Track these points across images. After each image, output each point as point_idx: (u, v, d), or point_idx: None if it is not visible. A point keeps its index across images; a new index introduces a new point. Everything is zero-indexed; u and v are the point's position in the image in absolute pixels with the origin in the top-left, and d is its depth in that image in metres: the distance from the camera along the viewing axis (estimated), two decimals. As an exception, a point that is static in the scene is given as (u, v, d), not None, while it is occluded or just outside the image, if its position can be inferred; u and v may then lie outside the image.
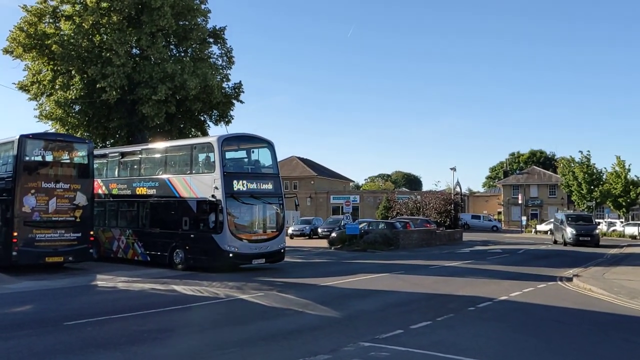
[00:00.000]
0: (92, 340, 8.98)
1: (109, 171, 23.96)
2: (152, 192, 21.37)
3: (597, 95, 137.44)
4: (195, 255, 19.44)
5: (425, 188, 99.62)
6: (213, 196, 18.71)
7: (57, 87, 29.18)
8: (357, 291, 14.96)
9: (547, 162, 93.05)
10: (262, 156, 21.57)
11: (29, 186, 18.30)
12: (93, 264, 20.65)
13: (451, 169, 52.31)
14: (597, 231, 38.12)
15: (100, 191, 23.03)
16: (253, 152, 21.61)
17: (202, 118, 32.75)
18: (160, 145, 22.97)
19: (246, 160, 21.63)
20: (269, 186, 20.42)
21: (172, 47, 31.59)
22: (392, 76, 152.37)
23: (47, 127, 30.48)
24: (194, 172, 20.38)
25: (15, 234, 17.86)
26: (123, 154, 23.76)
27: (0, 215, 18.52)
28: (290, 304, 12.79)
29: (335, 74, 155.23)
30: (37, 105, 30.31)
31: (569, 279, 17.60)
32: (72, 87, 28.73)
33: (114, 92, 27.44)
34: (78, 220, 19.18)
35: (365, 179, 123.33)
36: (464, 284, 16.50)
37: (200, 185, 19.50)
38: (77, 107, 29.67)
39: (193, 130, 32.69)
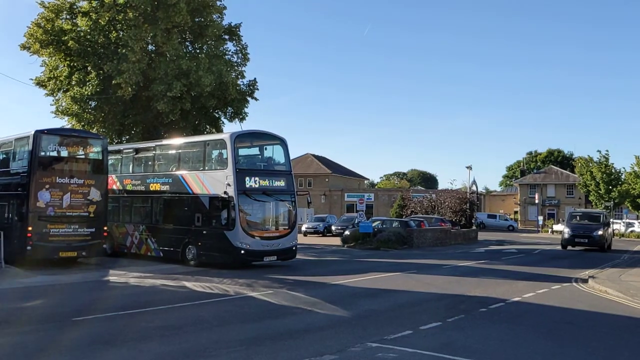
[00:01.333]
0: (99, 337, 8.96)
1: (123, 167, 24.11)
2: (165, 188, 21.46)
3: (616, 96, 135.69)
4: (207, 252, 19.52)
5: (441, 186, 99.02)
6: (225, 193, 18.74)
7: (73, 83, 29.29)
8: (367, 290, 14.86)
9: (564, 161, 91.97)
10: (275, 153, 21.61)
11: (44, 181, 18.43)
12: (106, 259, 20.79)
13: (467, 167, 51.92)
14: (601, 232, 31.48)
15: (114, 187, 23.18)
16: (266, 149, 21.65)
17: (217, 115, 32.69)
18: (173, 141, 23.06)
19: (259, 157, 21.66)
20: (281, 183, 20.44)
21: (187, 43, 31.58)
22: (408, 74, 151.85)
23: (63, 122, 30.62)
24: (206, 168, 20.42)
25: (30, 228, 17.99)
26: (137, 150, 23.88)
27: (16, 210, 18.69)
28: (299, 302, 12.73)
29: (351, 72, 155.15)
30: (53, 101, 30.42)
31: (585, 281, 17.31)
32: (88, 83, 28.84)
33: (130, 89, 27.48)
34: (92, 215, 19.28)
35: (380, 177, 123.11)
36: (477, 284, 16.34)
37: (212, 182, 19.53)
38: (93, 103, 29.74)
39: (208, 126, 32.63)
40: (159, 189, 21.70)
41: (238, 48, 32.36)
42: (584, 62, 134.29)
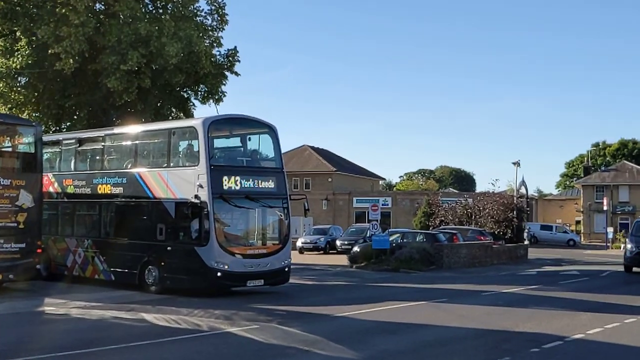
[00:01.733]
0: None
1: (63, 163, 24.07)
2: (118, 190, 21.40)
3: None
4: (173, 274, 19.43)
5: (479, 188, 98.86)
6: (196, 197, 18.60)
7: (-3, 53, 29.38)
8: (382, 325, 14.86)
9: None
10: (261, 145, 21.62)
11: (-42, 182, 18.47)
12: (41, 284, 20.83)
13: (514, 163, 51.66)
14: None
15: (51, 189, 23.13)
16: (250, 139, 21.64)
17: (186, 95, 32.81)
18: (129, 130, 23.03)
19: (241, 150, 21.70)
20: (270, 184, 20.42)
21: (146, 1, 31.64)
22: (434, 43, 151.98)
23: (-17, 105, 30.75)
24: (172, 165, 20.39)
25: (-60, 243, 18.02)
26: (81, 141, 23.79)
27: None
28: (293, 340, 12.72)
29: (359, 40, 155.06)
30: (-29, 76, 30.53)
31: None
32: (16, 54, 28.92)
33: (71, 60, 27.43)
34: (22, 226, 19.29)
35: (400, 177, 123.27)
36: (527, 317, 16.34)
37: (180, 183, 19.51)
38: (23, 80, 29.85)
39: (173, 110, 32.76)
40: (109, 192, 21.62)
41: (213, 7, 32.41)
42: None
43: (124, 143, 22.53)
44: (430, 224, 49.45)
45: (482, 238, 40.52)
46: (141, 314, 15.84)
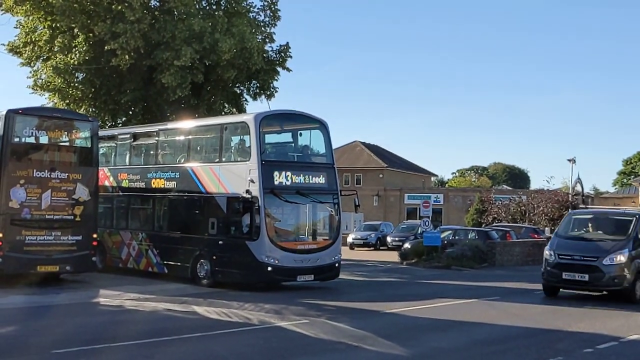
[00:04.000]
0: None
1: (119, 157, 24.52)
2: (171, 185, 21.63)
3: None
4: (224, 268, 19.62)
5: (533, 186, 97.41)
6: (248, 191, 18.72)
7: (55, 49, 29.77)
8: (433, 322, 14.81)
9: None
10: (313, 140, 21.66)
11: (18, 175, 18.77)
12: (97, 276, 21.15)
13: (569, 160, 50.76)
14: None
15: (106, 183, 23.51)
16: (301, 134, 21.69)
17: (238, 90, 33.05)
18: (182, 125, 23.40)
19: (292, 145, 21.75)
20: (320, 180, 20.42)
21: (201, -2, 31.95)
22: (486, 36, 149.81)
23: (43, 100, 31.40)
24: (224, 160, 20.56)
25: (0, 235, 18.44)
26: (136, 136, 24.12)
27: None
28: (342, 335, 12.74)
29: (412, 35, 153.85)
30: (31, 72, 31.17)
31: None
32: (74, 50, 29.36)
33: (127, 56, 27.94)
34: (78, 219, 19.61)
35: (452, 173, 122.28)
36: (581, 316, 16.16)
37: (231, 178, 19.65)
38: (80, 75, 30.33)
39: (226, 105, 33.03)
40: (163, 186, 21.86)
41: (265, 3, 32.54)
42: None
43: (177, 138, 22.81)
44: (482, 221, 48.98)
45: (535, 236, 39.91)
46: (193, 306, 16.03)
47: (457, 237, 34.46)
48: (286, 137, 22.08)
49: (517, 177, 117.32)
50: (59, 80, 29.80)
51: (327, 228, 20.70)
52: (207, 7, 31.90)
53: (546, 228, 51.70)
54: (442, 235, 32.73)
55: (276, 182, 19.14)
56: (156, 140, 23.18)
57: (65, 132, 20.81)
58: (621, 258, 18.38)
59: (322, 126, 21.07)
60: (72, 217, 19.55)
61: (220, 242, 19.64)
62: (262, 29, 32.00)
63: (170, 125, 24.16)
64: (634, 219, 19.72)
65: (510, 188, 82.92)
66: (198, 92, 30.65)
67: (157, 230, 22.08)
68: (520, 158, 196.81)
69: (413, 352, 11.48)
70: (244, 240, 18.96)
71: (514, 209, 49.77)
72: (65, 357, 10.28)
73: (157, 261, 21.73)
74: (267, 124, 20.17)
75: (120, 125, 31.58)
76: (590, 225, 20.59)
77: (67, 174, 19.57)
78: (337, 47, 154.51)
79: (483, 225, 45.30)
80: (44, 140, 20.17)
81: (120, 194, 23.54)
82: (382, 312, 16.13)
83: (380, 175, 71.25)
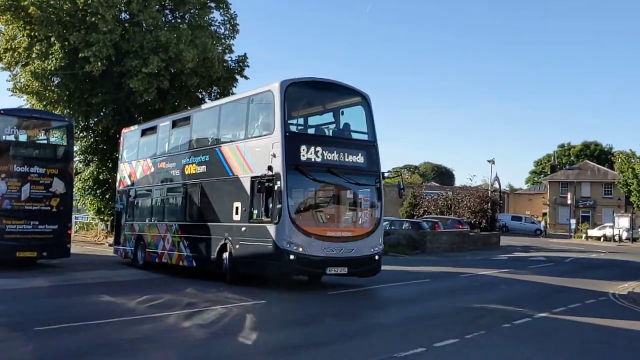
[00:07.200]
0: (66, 350, 9.08)
1: (159, 147, 21.28)
2: (201, 169, 18.27)
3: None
4: (244, 258, 15.91)
5: (458, 183, 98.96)
6: (269, 168, 15.00)
7: (33, 55, 29.50)
8: (373, 302, 15.00)
9: (602, 156, 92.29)
10: (350, 114, 17.30)
11: (0, 169, 18.59)
12: (71, 261, 20.71)
13: (489, 161, 52.00)
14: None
15: (149, 173, 21.41)
16: (338, 107, 17.49)
17: (200, 95, 32.88)
18: (212, 104, 21.71)
19: (325, 118, 17.84)
20: (359, 158, 16.20)
21: (166, 12, 31.76)
22: (419, 50, 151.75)
23: (21, 102, 30.84)
24: (249, 136, 16.69)
25: (-17, 224, 18.11)
26: (174, 123, 20.80)
27: (-34, 203, 18.78)
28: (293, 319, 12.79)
29: (354, 48, 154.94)
30: (10, 76, 30.69)
31: (624, 295, 17.43)
32: (51, 56, 28.96)
33: (99, 63, 27.65)
34: (54, 210, 19.47)
35: (388, 171, 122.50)
36: (499, 297, 16.44)
37: (256, 155, 15.91)
38: (56, 80, 29.93)
39: (188, 108, 32.73)
40: (194, 172, 18.55)
41: (226, 18, 32.57)
42: (634, 36, 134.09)
43: (207, 119, 19.20)
44: (415, 213, 49.72)
45: (460, 226, 40.82)
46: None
47: (393, 227, 35.00)
48: (319, 109, 17.75)
49: (444, 175, 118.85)
50: (37, 84, 29.34)
51: (366, 214, 16.49)
52: (173, 21, 31.76)
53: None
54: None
55: (303, 158, 15.22)
56: (189, 124, 19.88)
57: (43, 131, 20.67)
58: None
59: (364, 99, 16.86)
60: (49, 208, 19.41)
61: (243, 228, 15.92)
62: (223, 41, 32.03)
63: (203, 106, 21.71)
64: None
65: (438, 185, 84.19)
66: (164, 96, 30.41)
67: (187, 220, 18.71)
68: (447, 158, 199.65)
69: (358, 327, 11.62)
70: (265, 224, 15.13)
71: (442, 203, 50.70)
72: (47, 333, 10.12)
73: (187, 254, 18.41)
74: (295, 92, 15.91)
75: (92, 124, 31.38)
76: None
77: (44, 169, 19.42)
78: (291, 58, 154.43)
79: (415, 217, 46.01)
80: (23, 138, 20.09)
81: (159, 184, 20.70)
82: (330, 294, 15.88)
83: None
